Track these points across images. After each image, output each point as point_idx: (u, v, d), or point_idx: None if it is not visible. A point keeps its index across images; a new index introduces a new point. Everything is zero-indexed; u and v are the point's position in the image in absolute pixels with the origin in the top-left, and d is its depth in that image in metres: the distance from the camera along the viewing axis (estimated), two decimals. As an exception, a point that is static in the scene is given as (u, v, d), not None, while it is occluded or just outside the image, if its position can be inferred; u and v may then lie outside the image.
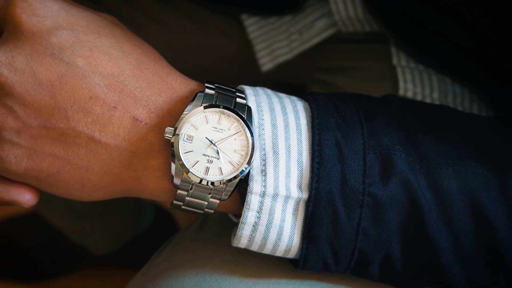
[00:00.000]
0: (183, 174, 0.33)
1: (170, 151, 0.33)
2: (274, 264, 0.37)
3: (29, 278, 0.91)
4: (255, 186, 0.33)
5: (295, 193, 0.33)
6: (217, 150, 0.33)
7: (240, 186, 0.34)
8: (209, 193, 0.33)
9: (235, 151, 0.33)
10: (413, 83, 0.50)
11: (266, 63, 0.59)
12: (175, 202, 0.34)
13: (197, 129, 0.33)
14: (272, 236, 0.34)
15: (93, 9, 0.37)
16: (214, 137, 0.33)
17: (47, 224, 0.88)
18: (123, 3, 0.60)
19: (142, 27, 0.57)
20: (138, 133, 0.33)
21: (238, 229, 0.34)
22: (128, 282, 0.40)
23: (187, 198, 0.34)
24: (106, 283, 0.92)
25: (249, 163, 0.33)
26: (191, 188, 0.33)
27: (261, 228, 0.33)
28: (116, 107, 0.32)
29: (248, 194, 0.33)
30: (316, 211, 0.33)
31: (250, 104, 0.34)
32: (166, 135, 0.32)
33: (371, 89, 0.47)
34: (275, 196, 0.33)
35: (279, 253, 0.35)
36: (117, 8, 0.59)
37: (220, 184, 0.33)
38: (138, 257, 0.63)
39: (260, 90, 0.36)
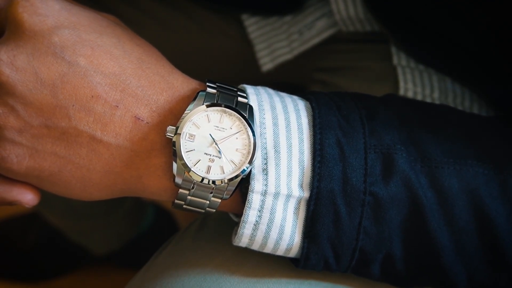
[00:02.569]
0: (184, 173, 0.32)
1: (172, 150, 0.33)
2: (274, 264, 0.37)
3: (29, 278, 0.91)
4: (256, 185, 0.33)
5: (296, 192, 0.33)
6: (219, 149, 0.33)
7: (242, 185, 0.34)
8: (211, 192, 0.33)
9: (236, 150, 0.33)
10: (414, 83, 0.50)
11: (266, 63, 0.59)
12: (176, 201, 0.34)
13: (198, 128, 0.33)
14: (273, 235, 0.34)
15: (94, 9, 0.37)
16: (216, 136, 0.33)
17: (47, 224, 0.88)
18: (123, 2, 0.60)
19: (142, 27, 0.57)
20: (139, 132, 0.33)
21: (239, 228, 0.34)
22: (128, 282, 0.40)
23: (189, 197, 0.34)
24: (106, 283, 0.92)
25: (250, 162, 0.33)
26: (193, 187, 0.33)
27: (262, 227, 0.33)
28: (117, 106, 0.32)
29: (250, 193, 0.33)
30: (317, 210, 0.33)
31: (251, 103, 0.34)
32: (168, 134, 0.32)
33: (372, 89, 0.47)
34: (276, 195, 0.33)
35: (280, 252, 0.35)
36: (117, 8, 0.59)
37: (222, 183, 0.33)
38: (138, 257, 0.63)
39: (261, 89, 0.36)
